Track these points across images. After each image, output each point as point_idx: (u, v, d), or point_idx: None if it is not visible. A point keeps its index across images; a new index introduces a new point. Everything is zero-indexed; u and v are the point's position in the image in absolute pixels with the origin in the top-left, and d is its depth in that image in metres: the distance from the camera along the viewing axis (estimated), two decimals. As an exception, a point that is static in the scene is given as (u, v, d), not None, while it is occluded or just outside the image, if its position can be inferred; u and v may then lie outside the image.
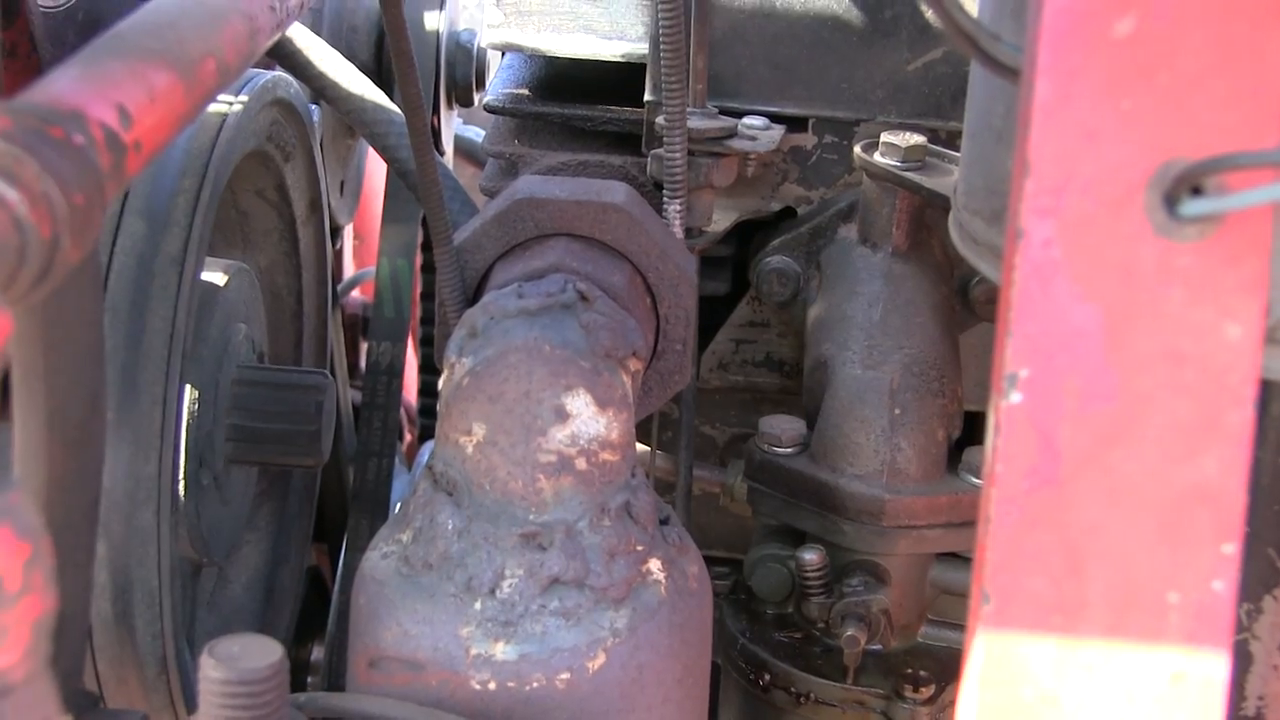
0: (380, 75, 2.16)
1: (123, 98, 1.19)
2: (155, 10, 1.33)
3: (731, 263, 1.98)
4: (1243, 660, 1.47)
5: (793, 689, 1.76)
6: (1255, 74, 1.09)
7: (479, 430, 1.34)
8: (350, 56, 1.87)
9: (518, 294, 1.39)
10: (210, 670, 1.21)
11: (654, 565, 1.35)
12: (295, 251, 1.92)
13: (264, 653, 1.23)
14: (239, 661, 1.21)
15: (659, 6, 1.52)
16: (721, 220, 1.76)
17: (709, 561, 1.50)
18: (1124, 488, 1.10)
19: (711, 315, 1.99)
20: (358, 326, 2.75)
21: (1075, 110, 1.09)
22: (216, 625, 1.99)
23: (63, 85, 1.18)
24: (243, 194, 1.90)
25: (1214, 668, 1.11)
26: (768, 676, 1.77)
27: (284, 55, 1.67)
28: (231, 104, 1.53)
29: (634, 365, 1.39)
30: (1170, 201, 1.09)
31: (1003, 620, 1.10)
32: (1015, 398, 1.11)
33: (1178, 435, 1.10)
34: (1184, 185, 1.08)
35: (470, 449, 1.34)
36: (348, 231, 2.72)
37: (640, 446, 1.86)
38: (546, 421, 1.33)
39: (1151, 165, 1.08)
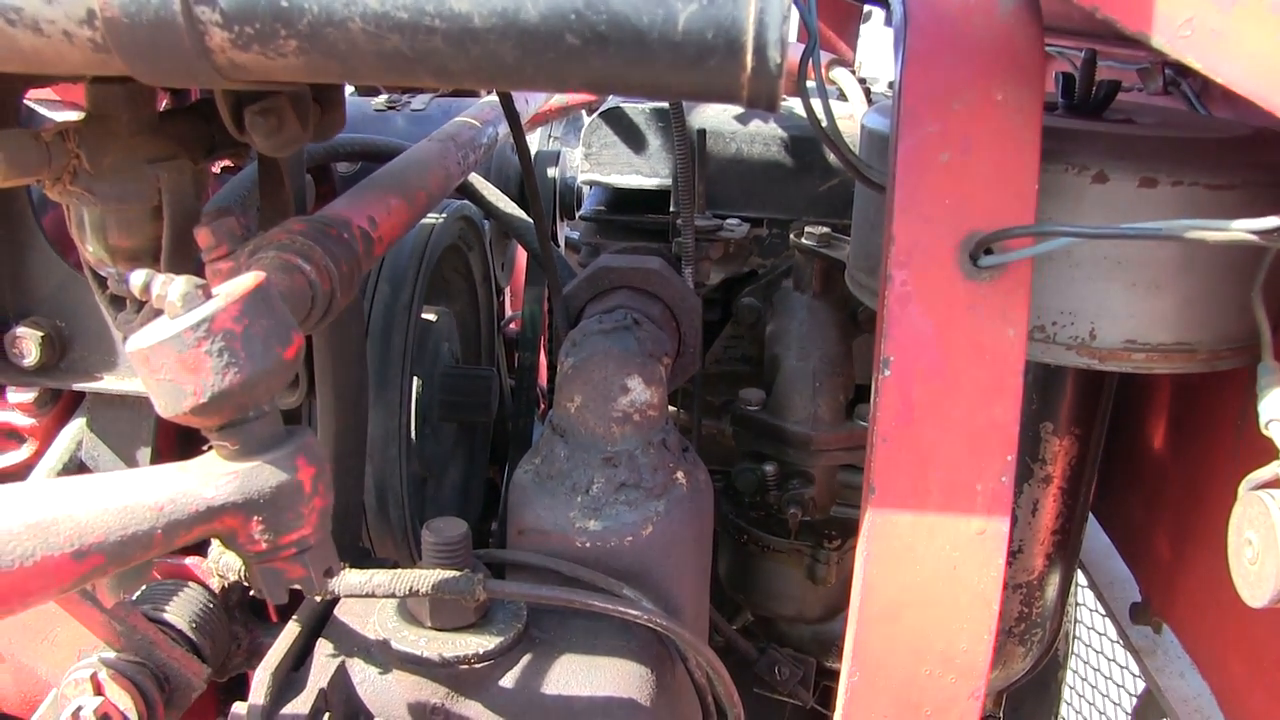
0: (522, 202, 2.17)
1: (372, 211, 1.19)
2: (394, 164, 1.33)
3: (721, 303, 1.97)
4: (1010, 520, 1.44)
5: (759, 543, 1.76)
6: (1018, 182, 1.08)
7: (578, 399, 1.33)
8: (504, 191, 1.87)
9: (598, 321, 1.39)
10: (427, 536, 1.21)
11: (680, 475, 1.34)
12: (475, 302, 1.90)
13: (457, 527, 1.24)
14: (443, 531, 1.22)
15: (676, 159, 1.53)
16: (715, 278, 1.76)
17: (712, 473, 1.49)
18: (949, 425, 1.09)
19: (711, 332, 1.98)
20: (513, 344, 2.75)
21: (917, 206, 1.09)
22: (434, 512, 1.93)
23: (340, 206, 1.18)
24: (447, 270, 1.89)
25: (1000, 526, 1.09)
26: (745, 536, 1.76)
27: (466, 189, 1.69)
28: (438, 219, 1.54)
29: (666, 361, 1.38)
30: (973, 258, 1.08)
31: (881, 503, 1.09)
32: (887, 373, 1.10)
33: (980, 394, 1.09)
34: (980, 248, 1.07)
35: (573, 410, 1.33)
36: (508, 291, 2.73)
37: (671, 408, 1.85)
38: (616, 393, 1.32)
39: (960, 237, 1.08)
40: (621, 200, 1.87)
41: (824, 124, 1.19)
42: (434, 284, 1.74)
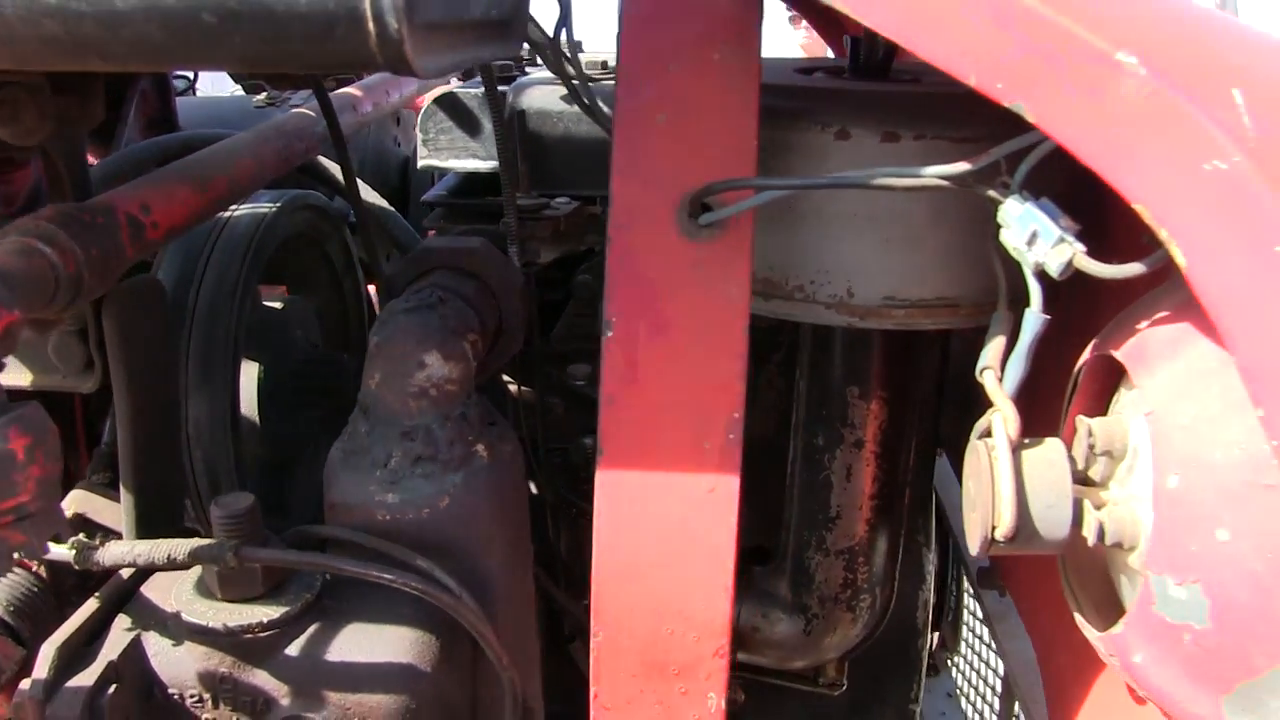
0: (404, 187, 2.18)
1: (147, 198, 1.22)
2: (197, 154, 1.36)
3: (563, 281, 1.93)
4: (823, 485, 1.42)
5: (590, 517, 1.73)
6: (736, 140, 1.07)
7: (378, 375, 1.34)
8: (384, 179, 1.88)
9: (404, 299, 1.41)
10: (214, 510, 1.24)
11: (480, 448, 1.34)
12: (341, 291, 1.92)
13: (244, 501, 1.26)
14: (229, 505, 1.24)
15: (499, 142, 1.53)
16: (548, 256, 1.77)
17: (558, 450, 1.49)
18: (675, 383, 1.09)
19: (555, 311, 1.95)
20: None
21: (636, 168, 1.09)
22: (299, 495, 1.83)
23: (114, 192, 1.22)
24: (304, 260, 1.87)
25: (731, 483, 1.09)
26: (576, 510, 1.75)
27: (324, 179, 1.71)
28: (271, 207, 1.57)
29: (472, 338, 1.39)
30: (693, 217, 1.07)
31: (611, 463, 1.09)
32: (610, 333, 1.10)
33: (704, 352, 1.09)
34: (698, 206, 1.07)
35: (374, 386, 1.34)
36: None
37: (526, 387, 1.86)
38: (413, 369, 1.32)
39: (679, 197, 1.07)
40: (472, 184, 1.87)
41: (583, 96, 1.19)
42: (292, 274, 1.76)
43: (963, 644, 1.87)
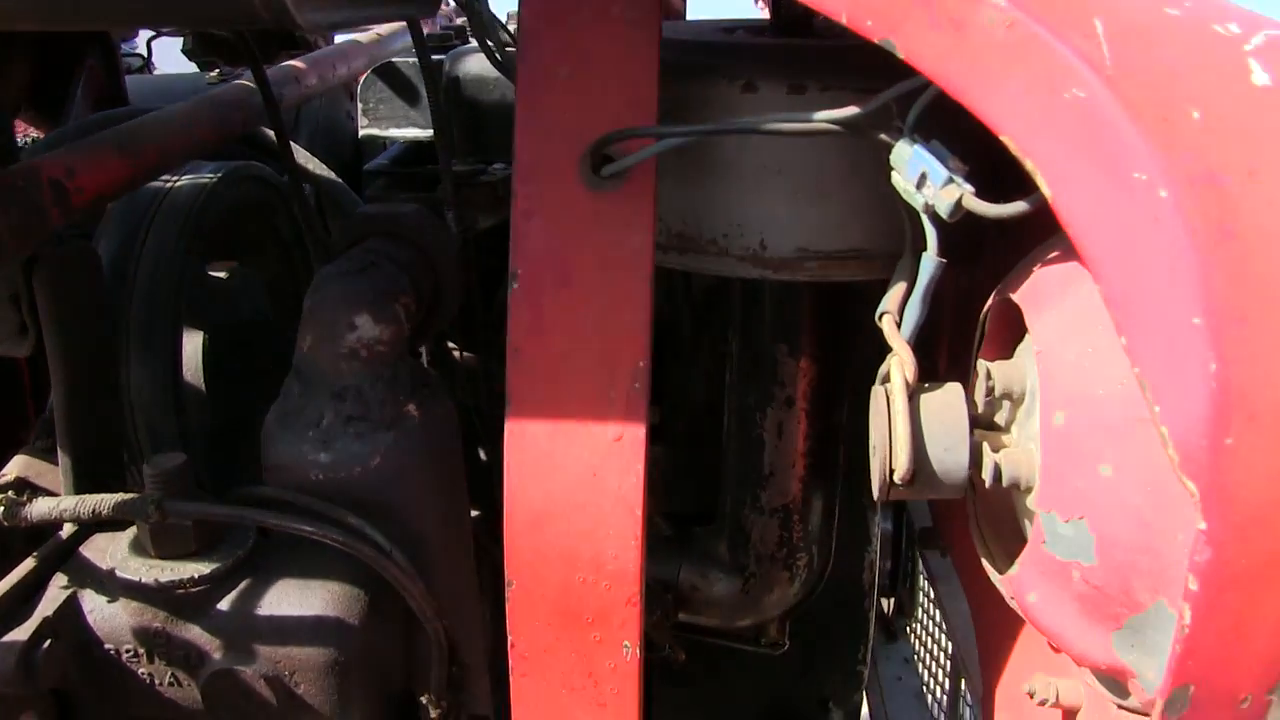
0: (357, 161, 2.17)
1: (73, 163, 1.23)
2: (129, 123, 1.37)
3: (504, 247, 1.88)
4: (756, 443, 1.43)
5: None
6: (636, 92, 1.07)
7: (309, 338, 1.34)
8: (336, 152, 1.88)
9: (335, 264, 1.42)
10: (146, 470, 1.25)
11: (411, 407, 1.35)
12: (291, 262, 1.90)
13: (174, 460, 1.27)
14: (160, 464, 1.25)
15: (433, 109, 1.54)
16: (489, 221, 1.76)
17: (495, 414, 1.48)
18: (580, 334, 1.09)
19: (499, 277, 1.88)
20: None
21: (538, 122, 1.09)
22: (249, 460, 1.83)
23: (39, 157, 1.23)
24: (253, 232, 1.85)
25: (638, 432, 1.09)
26: None
27: (270, 151, 1.71)
28: (213, 177, 1.57)
29: (404, 300, 1.39)
30: (595, 169, 1.08)
31: (518, 413, 1.09)
32: (515, 285, 1.10)
33: (609, 303, 1.09)
34: (598, 157, 1.07)
35: (306, 348, 1.34)
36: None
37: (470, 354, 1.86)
38: (343, 331, 1.32)
39: (581, 149, 1.07)
40: (418, 154, 1.87)
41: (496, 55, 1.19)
42: (241, 247, 1.76)
43: (919, 610, 1.86)
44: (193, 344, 1.58)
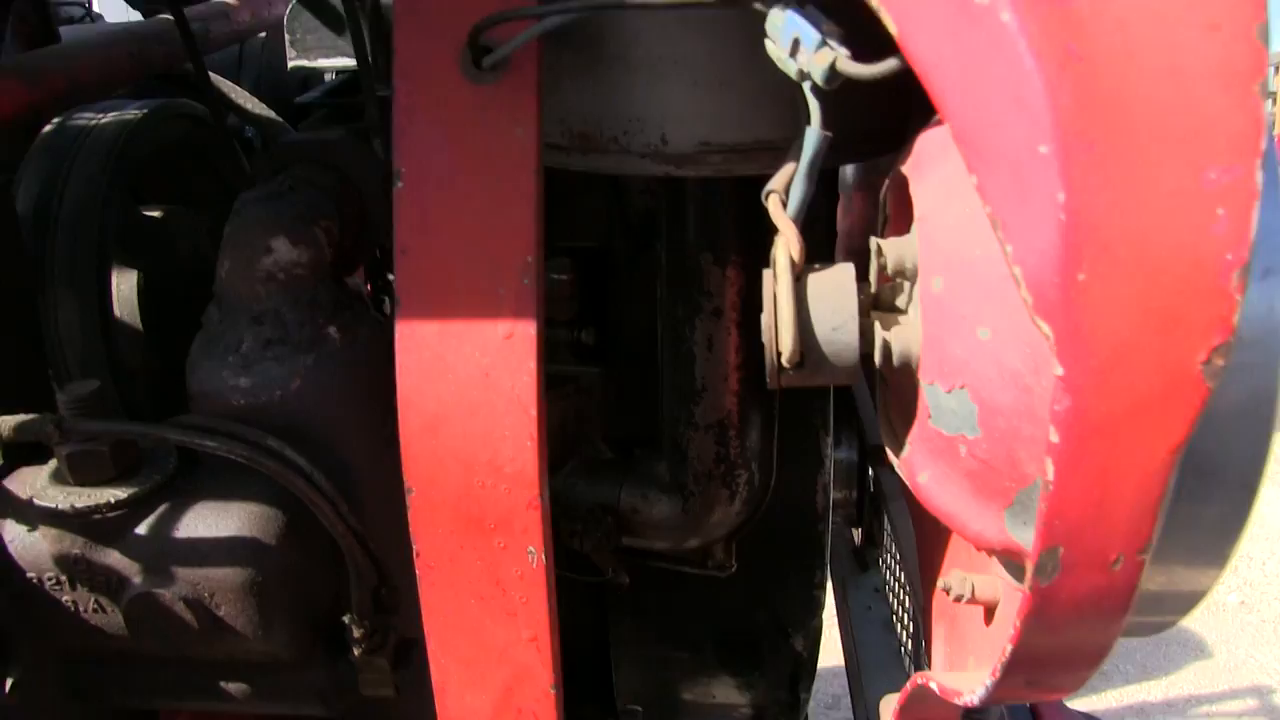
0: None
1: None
2: (33, 53, 1.35)
3: None
4: (687, 357, 1.38)
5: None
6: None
7: (228, 263, 1.32)
8: (281, 90, 1.85)
9: (256, 190, 1.39)
10: (60, 396, 1.24)
11: (332, 329, 1.32)
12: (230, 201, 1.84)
13: (88, 386, 1.26)
14: (74, 391, 1.24)
15: (353, 35, 1.50)
16: None
17: None
18: (466, 231, 1.06)
19: None
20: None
21: (416, 15, 1.05)
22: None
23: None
24: (191, 173, 1.80)
25: (528, 329, 1.05)
26: None
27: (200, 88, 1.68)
28: (138, 114, 1.55)
29: (324, 224, 1.37)
30: (475, 61, 1.04)
31: (409, 314, 1.06)
32: (400, 184, 1.07)
33: (494, 198, 1.05)
34: (478, 49, 1.03)
35: (224, 274, 1.32)
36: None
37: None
38: (259, 253, 1.30)
39: (460, 42, 1.04)
40: (341, 85, 1.84)
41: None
42: (180, 189, 1.73)
43: (886, 538, 1.82)
44: (128, 283, 1.56)
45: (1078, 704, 3.95)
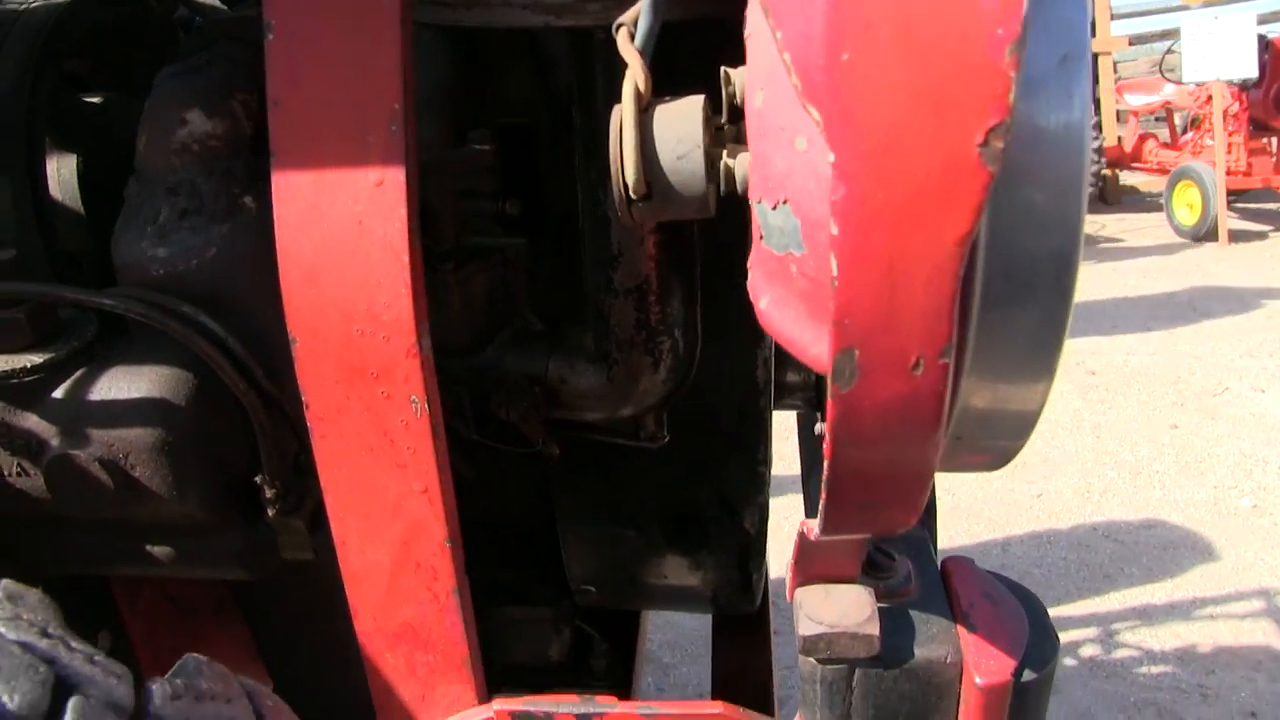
0: None
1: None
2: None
3: None
4: (603, 222, 1.37)
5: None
6: None
7: (145, 136, 1.34)
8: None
9: (174, 65, 1.41)
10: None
11: (248, 199, 1.34)
12: None
13: (8, 254, 1.30)
14: None
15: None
16: None
17: None
18: (333, 80, 1.06)
19: None
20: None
21: None
22: None
23: None
24: (139, 63, 1.69)
25: (398, 176, 1.06)
26: None
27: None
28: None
29: (242, 97, 1.37)
30: None
31: (282, 165, 1.07)
32: (270, 36, 1.07)
33: (361, 46, 1.05)
34: None
35: (142, 147, 1.35)
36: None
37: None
38: (174, 125, 1.32)
39: None
40: None
41: None
42: (121, 75, 1.73)
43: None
44: (68, 167, 1.59)
45: (1079, 607, 3.93)
